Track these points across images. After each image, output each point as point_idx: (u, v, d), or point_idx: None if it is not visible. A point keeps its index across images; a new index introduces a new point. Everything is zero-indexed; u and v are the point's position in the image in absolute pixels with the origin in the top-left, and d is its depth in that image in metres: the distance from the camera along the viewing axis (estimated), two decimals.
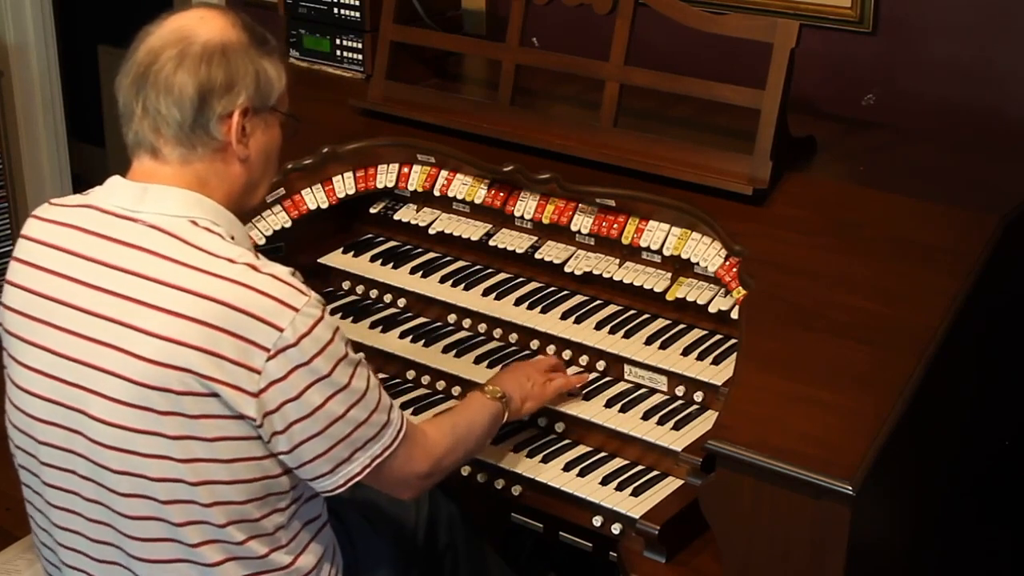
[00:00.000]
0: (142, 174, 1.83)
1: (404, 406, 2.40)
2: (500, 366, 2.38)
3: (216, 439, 1.74)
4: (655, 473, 2.21)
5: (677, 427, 2.21)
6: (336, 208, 2.70)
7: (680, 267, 2.40)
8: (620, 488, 2.17)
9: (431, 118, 2.65)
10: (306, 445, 1.76)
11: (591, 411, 2.27)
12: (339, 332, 1.77)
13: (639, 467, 2.23)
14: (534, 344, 2.45)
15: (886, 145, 2.53)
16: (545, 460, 2.25)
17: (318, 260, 2.72)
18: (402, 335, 2.53)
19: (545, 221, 2.49)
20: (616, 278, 2.43)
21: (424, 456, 1.93)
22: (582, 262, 2.49)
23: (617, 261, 2.47)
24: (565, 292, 2.52)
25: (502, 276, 2.60)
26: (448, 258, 2.68)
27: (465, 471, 2.28)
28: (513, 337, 2.48)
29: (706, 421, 2.20)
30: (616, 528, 2.13)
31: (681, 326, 2.39)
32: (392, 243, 2.77)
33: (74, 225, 1.83)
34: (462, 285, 2.57)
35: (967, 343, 2.07)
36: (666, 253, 2.36)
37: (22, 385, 1.85)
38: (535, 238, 2.57)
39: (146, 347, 1.71)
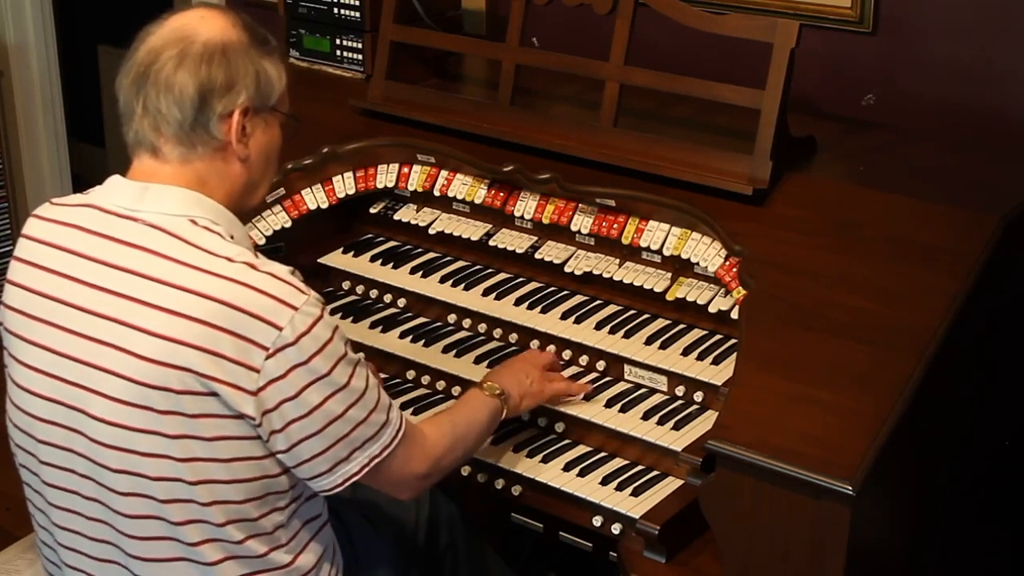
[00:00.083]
0: (142, 173, 1.83)
1: (404, 406, 2.40)
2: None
3: (215, 438, 1.74)
4: (655, 473, 2.21)
5: (677, 427, 2.21)
6: (336, 208, 2.70)
7: (680, 267, 2.40)
8: (620, 488, 2.17)
9: (431, 118, 2.65)
10: (304, 444, 1.76)
11: (591, 411, 2.27)
12: (338, 331, 1.77)
13: (639, 467, 2.23)
14: (534, 344, 2.45)
15: (886, 145, 2.53)
16: (545, 460, 2.25)
17: (318, 260, 2.72)
18: (402, 335, 2.53)
19: (545, 221, 2.49)
20: (616, 278, 2.43)
21: (423, 456, 1.93)
22: (582, 262, 2.49)
23: (617, 261, 2.47)
24: (565, 292, 2.52)
25: (502, 276, 2.60)
26: (448, 258, 2.68)
27: (465, 471, 2.28)
28: (513, 337, 2.48)
29: (706, 421, 2.20)
30: (616, 528, 2.13)
31: (681, 326, 2.39)
32: (392, 243, 2.77)
33: (74, 224, 1.84)
34: (462, 285, 2.57)
35: (967, 343, 2.07)
36: (666, 253, 2.36)
37: (22, 384, 1.86)
38: (535, 238, 2.57)
39: (146, 346, 1.71)
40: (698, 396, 2.27)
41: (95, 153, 5.35)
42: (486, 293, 2.53)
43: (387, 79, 2.75)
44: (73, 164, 4.67)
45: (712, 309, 2.31)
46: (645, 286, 2.40)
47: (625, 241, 2.39)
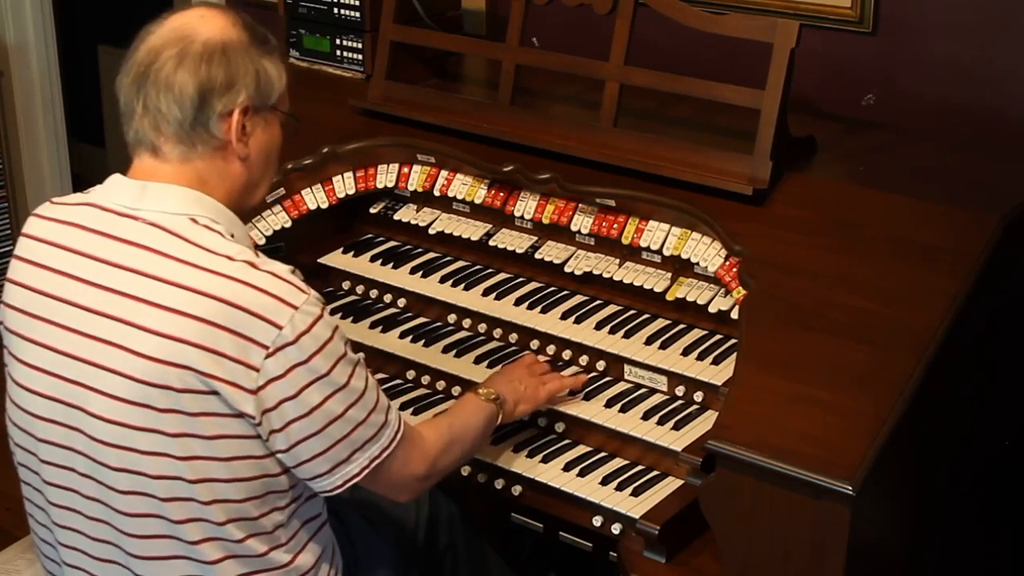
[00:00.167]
0: (142, 172, 1.83)
1: (404, 406, 2.40)
2: (500, 366, 2.38)
3: (215, 437, 1.74)
4: (655, 473, 2.21)
5: (677, 427, 2.21)
6: (336, 208, 2.70)
7: (680, 267, 2.40)
8: (620, 488, 2.17)
9: (431, 118, 2.65)
10: (304, 444, 1.76)
11: (591, 411, 2.27)
12: (338, 331, 1.77)
13: (639, 467, 2.23)
14: (534, 344, 2.45)
15: (886, 145, 2.53)
16: (545, 460, 2.25)
17: (318, 260, 2.71)
18: (402, 335, 2.53)
19: (545, 221, 2.49)
20: (616, 278, 2.43)
21: (421, 458, 1.93)
22: (582, 262, 2.49)
23: (617, 261, 2.47)
24: (565, 292, 2.52)
25: (502, 276, 2.60)
26: (448, 258, 2.68)
27: (465, 471, 2.28)
28: (513, 337, 2.48)
29: (706, 421, 2.20)
30: (616, 528, 2.12)
31: (681, 326, 2.39)
32: (392, 243, 2.77)
33: (75, 223, 1.84)
34: (462, 285, 2.57)
35: (967, 343, 2.07)
36: (666, 253, 2.36)
37: (22, 382, 1.86)
38: (535, 238, 2.57)
39: (146, 344, 1.72)
40: (698, 396, 2.27)
41: (95, 153, 5.35)
42: (486, 293, 2.53)
43: (387, 79, 2.75)
44: (73, 164, 4.67)
45: (712, 309, 2.31)
46: (645, 286, 2.40)
47: (625, 241, 2.39)
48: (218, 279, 1.72)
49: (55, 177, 4.56)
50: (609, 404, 2.28)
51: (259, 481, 1.79)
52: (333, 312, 2.58)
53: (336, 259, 2.72)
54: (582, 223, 2.44)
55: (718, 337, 2.35)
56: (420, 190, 2.65)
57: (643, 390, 2.33)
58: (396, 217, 2.73)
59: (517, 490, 2.24)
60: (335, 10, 2.92)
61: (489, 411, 2.13)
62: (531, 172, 2.46)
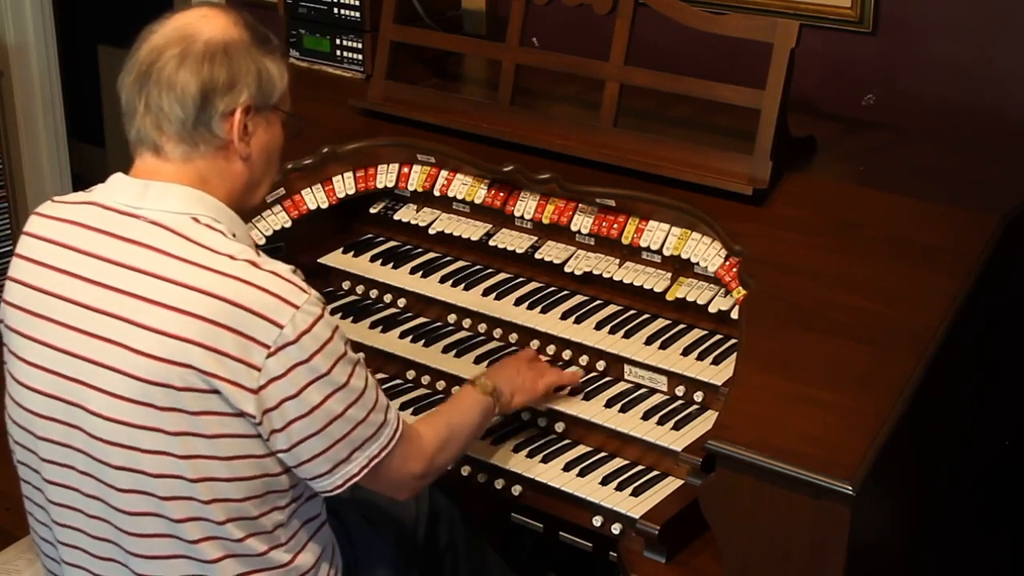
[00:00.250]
0: (144, 171, 1.84)
1: (404, 406, 2.40)
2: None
3: (216, 436, 1.74)
4: (655, 473, 2.21)
5: (677, 427, 2.21)
6: (336, 208, 2.70)
7: (680, 267, 2.40)
8: (620, 488, 2.17)
9: (431, 118, 2.65)
10: (305, 444, 1.76)
11: (591, 411, 2.27)
12: (338, 331, 1.77)
13: (639, 467, 2.23)
14: (534, 344, 2.44)
15: (886, 145, 2.53)
16: (545, 460, 2.25)
17: (318, 260, 2.71)
18: (402, 335, 2.53)
19: (545, 221, 2.49)
20: (616, 278, 2.43)
21: (420, 456, 1.94)
22: (582, 262, 2.49)
23: (617, 261, 2.47)
24: (565, 292, 2.52)
25: (502, 276, 2.60)
26: (448, 258, 2.68)
27: (465, 471, 2.29)
28: (513, 337, 2.48)
29: (706, 421, 2.20)
30: (616, 528, 2.12)
31: (681, 326, 2.39)
32: (392, 243, 2.77)
33: (76, 222, 1.84)
34: (462, 285, 2.57)
35: (967, 343, 2.07)
36: (666, 253, 2.36)
37: (22, 381, 1.86)
38: (535, 238, 2.57)
39: (147, 342, 1.72)
40: (698, 396, 2.27)
41: (95, 153, 5.35)
42: (486, 293, 2.53)
43: (387, 79, 2.75)
44: (73, 164, 4.67)
45: (712, 309, 2.31)
46: (645, 286, 2.40)
47: (625, 241, 2.39)
48: (220, 278, 1.72)
49: (55, 177, 4.56)
50: (609, 404, 2.28)
51: (259, 480, 1.79)
52: (333, 312, 2.57)
53: (336, 259, 2.72)
54: (582, 223, 2.44)
55: (718, 337, 2.34)
56: (420, 190, 2.65)
57: (643, 390, 2.33)
58: (396, 217, 2.73)
59: (517, 490, 2.24)
60: (335, 10, 2.92)
61: (486, 404, 2.14)
62: (531, 172, 2.46)
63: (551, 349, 2.42)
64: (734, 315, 2.25)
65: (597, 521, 2.15)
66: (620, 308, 2.46)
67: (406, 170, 2.67)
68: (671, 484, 2.17)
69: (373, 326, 2.57)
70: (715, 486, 1.94)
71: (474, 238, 2.61)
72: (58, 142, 4.56)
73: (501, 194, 2.55)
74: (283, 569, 1.86)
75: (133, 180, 1.84)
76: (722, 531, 1.96)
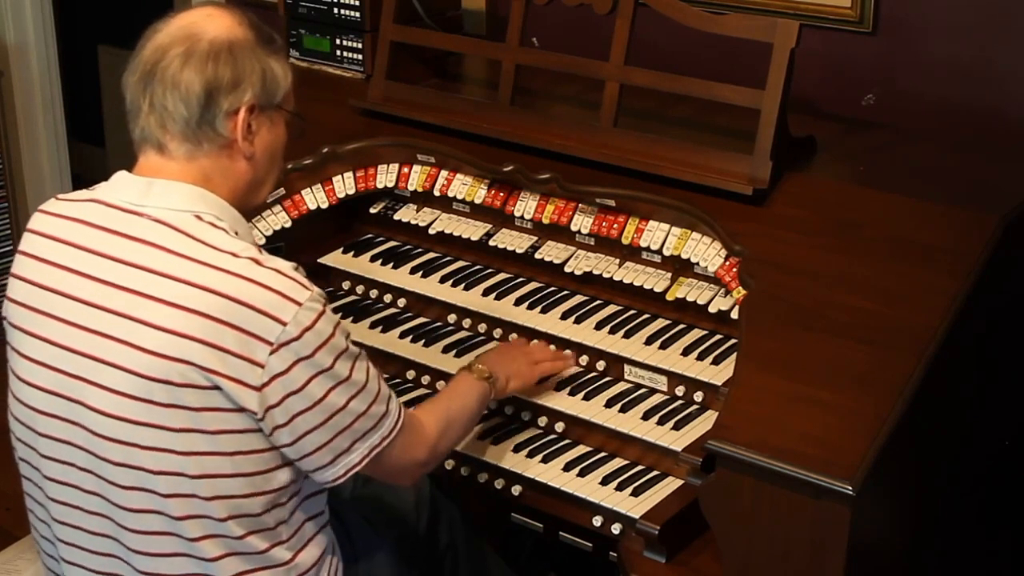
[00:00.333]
0: (148, 169, 1.84)
1: (404, 406, 2.40)
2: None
3: (218, 432, 1.75)
4: (655, 473, 2.21)
5: (677, 427, 2.21)
6: (336, 208, 2.70)
7: (680, 267, 2.40)
8: (620, 488, 2.17)
9: (431, 118, 2.65)
10: (308, 437, 1.77)
11: (591, 411, 2.27)
12: (340, 326, 1.79)
13: (639, 467, 2.23)
14: (534, 344, 2.44)
15: (886, 145, 2.53)
16: (545, 460, 2.25)
17: (318, 260, 2.71)
18: (402, 335, 2.53)
19: (545, 221, 2.49)
20: (616, 278, 2.43)
21: (421, 443, 1.96)
22: (582, 262, 2.49)
23: (617, 261, 2.47)
24: (565, 292, 2.52)
25: (502, 276, 2.60)
26: (448, 258, 2.68)
27: (465, 471, 2.29)
28: (513, 337, 2.47)
29: (706, 421, 2.20)
30: (616, 528, 2.12)
31: (681, 326, 2.39)
32: (392, 243, 2.77)
33: (79, 219, 1.85)
34: (462, 285, 2.57)
35: (967, 343, 2.07)
36: (666, 253, 2.36)
37: (24, 377, 1.86)
38: (535, 238, 2.57)
39: (149, 339, 1.72)
40: (698, 396, 2.27)
41: (95, 153, 5.35)
42: (486, 293, 2.53)
43: (387, 79, 2.75)
44: (73, 164, 4.67)
45: (712, 309, 2.31)
46: (645, 286, 2.40)
47: (625, 241, 2.40)
48: (223, 275, 1.72)
49: (55, 177, 4.56)
50: (609, 404, 2.28)
51: (261, 476, 1.80)
52: (333, 312, 2.57)
53: (336, 259, 2.72)
54: (582, 223, 2.44)
55: (718, 337, 2.35)
56: (420, 190, 2.65)
57: (643, 390, 2.33)
58: (396, 217, 2.73)
59: (517, 490, 2.24)
60: (335, 10, 2.92)
61: (482, 390, 2.16)
62: (531, 172, 2.46)
63: (551, 349, 2.42)
64: (734, 315, 2.25)
65: (597, 521, 2.15)
66: (620, 308, 2.46)
67: (406, 170, 2.67)
68: (671, 484, 2.17)
69: (373, 326, 2.57)
70: (715, 486, 1.94)
71: (474, 238, 2.61)
72: (58, 142, 4.56)
73: (501, 194, 2.55)
74: (284, 567, 1.86)
75: (137, 178, 1.84)
76: (722, 531, 1.96)
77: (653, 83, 2.43)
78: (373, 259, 2.70)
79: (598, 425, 2.26)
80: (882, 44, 2.64)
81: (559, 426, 2.32)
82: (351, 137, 2.70)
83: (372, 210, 2.78)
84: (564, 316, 2.44)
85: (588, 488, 2.17)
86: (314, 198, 2.68)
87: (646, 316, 2.42)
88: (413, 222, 2.70)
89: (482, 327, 2.52)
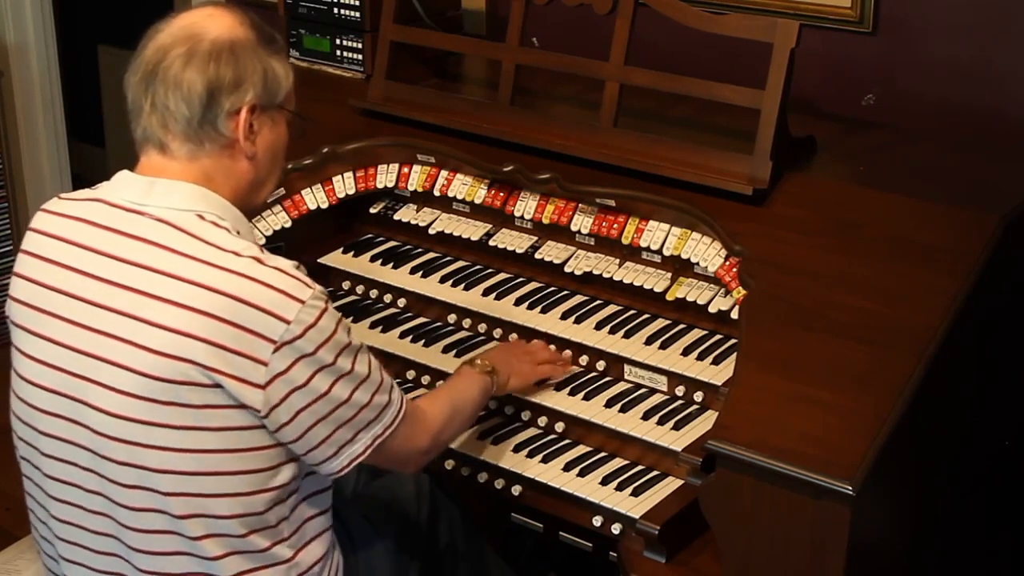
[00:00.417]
0: (150, 169, 1.85)
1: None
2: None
3: (220, 429, 1.75)
4: (655, 473, 2.21)
5: (677, 427, 2.21)
6: (336, 208, 2.70)
7: (680, 267, 2.40)
8: (620, 488, 2.17)
9: (431, 118, 2.65)
10: (313, 430, 1.78)
11: (591, 411, 2.27)
12: (342, 322, 1.80)
13: (639, 467, 2.23)
14: None
15: (886, 145, 2.53)
16: (545, 460, 2.25)
17: (318, 260, 2.71)
18: (402, 335, 2.53)
19: (545, 221, 2.49)
20: (616, 278, 2.43)
21: (424, 432, 1.97)
22: (582, 262, 2.49)
23: (617, 261, 2.47)
24: (565, 292, 2.52)
25: (502, 276, 2.60)
26: (448, 258, 2.68)
27: (465, 471, 2.29)
28: (513, 337, 2.47)
29: (706, 421, 2.20)
30: (616, 528, 2.12)
31: (681, 326, 2.39)
32: (392, 243, 2.77)
33: (82, 218, 1.85)
34: (462, 285, 2.57)
35: (967, 343, 2.07)
36: (666, 253, 2.36)
37: (26, 376, 1.87)
38: (535, 238, 2.57)
39: (152, 338, 1.72)
40: (698, 396, 2.27)
41: (95, 153, 5.35)
42: (486, 293, 2.53)
43: (387, 79, 2.75)
44: (73, 164, 4.67)
45: (712, 309, 2.31)
46: (645, 286, 2.40)
47: (625, 241, 2.40)
48: (226, 275, 1.73)
49: (55, 177, 4.56)
50: (609, 404, 2.28)
51: (264, 474, 1.80)
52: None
53: (336, 259, 2.72)
54: (582, 223, 2.44)
55: (718, 337, 2.35)
56: (420, 190, 2.65)
57: (643, 390, 2.33)
58: (396, 217, 2.73)
59: (517, 490, 2.24)
60: (335, 10, 2.92)
61: (484, 383, 2.18)
62: (531, 172, 2.46)
63: (551, 349, 2.42)
64: (734, 315, 2.25)
65: (597, 521, 2.15)
66: (620, 308, 2.46)
67: (406, 170, 2.67)
68: (671, 484, 2.17)
69: (373, 326, 2.57)
70: (715, 486, 1.94)
71: (474, 238, 2.61)
72: (58, 142, 4.56)
73: (501, 194, 2.55)
74: (286, 565, 1.87)
75: (138, 177, 1.85)
76: (722, 531, 1.96)
77: (653, 83, 2.43)
78: (373, 259, 2.70)
79: (598, 425, 2.26)
80: (882, 44, 2.64)
81: (559, 426, 2.32)
82: (351, 137, 2.70)
83: (372, 210, 2.78)
84: (564, 316, 2.44)
85: (588, 488, 2.17)
86: (314, 198, 2.68)
87: (646, 316, 2.42)
88: (413, 222, 2.70)
89: (482, 327, 2.52)
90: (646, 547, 2.07)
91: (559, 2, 2.49)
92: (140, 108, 1.83)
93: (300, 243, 2.68)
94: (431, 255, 2.70)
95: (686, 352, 2.30)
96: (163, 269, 1.75)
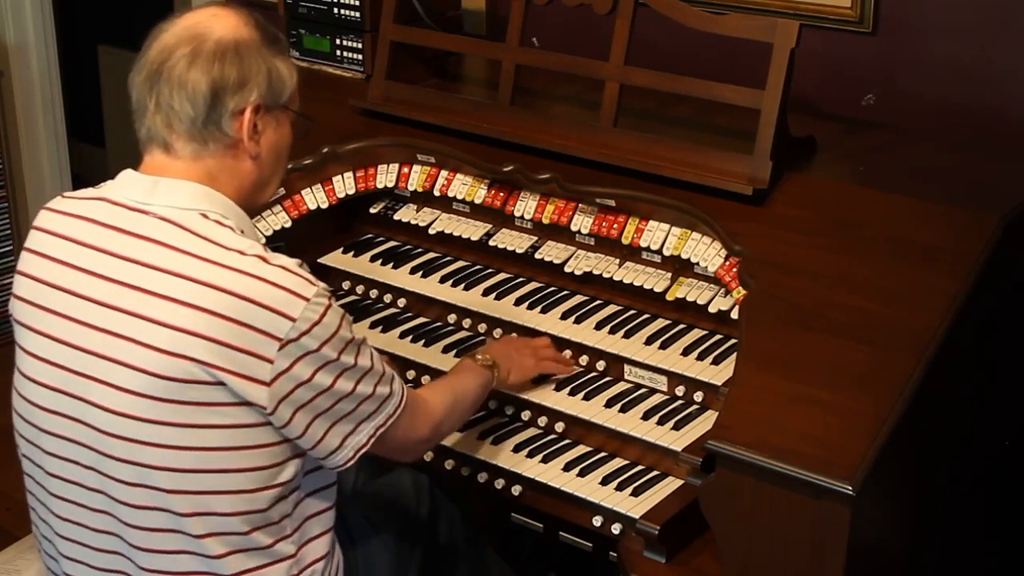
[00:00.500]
0: (154, 168, 1.85)
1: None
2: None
3: (222, 426, 1.75)
4: (655, 473, 2.21)
5: (677, 427, 2.21)
6: (336, 208, 2.70)
7: (680, 267, 2.40)
8: (620, 488, 2.17)
9: (431, 118, 2.65)
10: (317, 422, 1.79)
11: (591, 411, 2.27)
12: (345, 318, 1.80)
13: (639, 467, 2.23)
14: None
15: (886, 145, 2.53)
16: (545, 460, 2.25)
17: (318, 260, 2.71)
18: (402, 335, 2.53)
19: (545, 221, 2.49)
20: (616, 278, 2.43)
21: (425, 422, 1.99)
22: (582, 262, 2.49)
23: (617, 261, 2.47)
24: (565, 292, 2.52)
25: (502, 276, 2.60)
26: (448, 258, 2.68)
27: (465, 471, 2.29)
28: (513, 337, 2.47)
29: (706, 421, 2.20)
30: (616, 528, 2.13)
31: (681, 326, 2.39)
32: (392, 243, 2.77)
33: (86, 217, 1.85)
34: (462, 285, 2.57)
35: (967, 343, 2.07)
36: (666, 253, 2.36)
37: (29, 374, 1.87)
38: (535, 238, 2.57)
39: (156, 337, 1.73)
40: (698, 396, 2.27)
41: (95, 153, 5.35)
42: (486, 293, 2.53)
43: (387, 79, 2.75)
44: (73, 164, 4.67)
45: (712, 309, 2.31)
46: (645, 286, 2.40)
47: (625, 241, 2.40)
48: (231, 273, 1.73)
49: (55, 177, 4.56)
50: (609, 404, 2.28)
51: (269, 471, 1.80)
52: None
53: (336, 259, 2.72)
54: (582, 223, 2.44)
55: (718, 337, 2.35)
56: (420, 190, 2.65)
57: (643, 390, 2.33)
58: (396, 217, 2.73)
59: (517, 490, 2.24)
60: (335, 10, 2.92)
61: (485, 376, 2.20)
62: (531, 172, 2.46)
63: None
64: (734, 315, 2.25)
65: (597, 521, 2.15)
66: (620, 308, 2.46)
67: (406, 170, 2.67)
68: (671, 484, 2.17)
69: (373, 326, 2.57)
70: (715, 486, 1.94)
71: (474, 238, 2.61)
72: (58, 142, 4.56)
73: (501, 194, 2.55)
74: (288, 562, 1.87)
75: (142, 176, 1.85)
76: (722, 531, 1.96)
77: (653, 83, 2.43)
78: (373, 259, 2.70)
79: (598, 425, 2.26)
80: (882, 44, 2.64)
81: (559, 426, 2.32)
82: (351, 137, 2.70)
83: (372, 210, 2.78)
84: (564, 316, 2.44)
85: (588, 488, 2.18)
86: (314, 198, 2.68)
87: (646, 316, 2.42)
88: (413, 222, 2.70)
89: (482, 327, 2.52)
90: (646, 547, 2.07)
91: (559, 2, 2.49)
92: (144, 108, 1.83)
93: (300, 243, 2.68)
94: (431, 255, 2.70)
95: (686, 352, 2.30)
96: (167, 268, 1.75)
